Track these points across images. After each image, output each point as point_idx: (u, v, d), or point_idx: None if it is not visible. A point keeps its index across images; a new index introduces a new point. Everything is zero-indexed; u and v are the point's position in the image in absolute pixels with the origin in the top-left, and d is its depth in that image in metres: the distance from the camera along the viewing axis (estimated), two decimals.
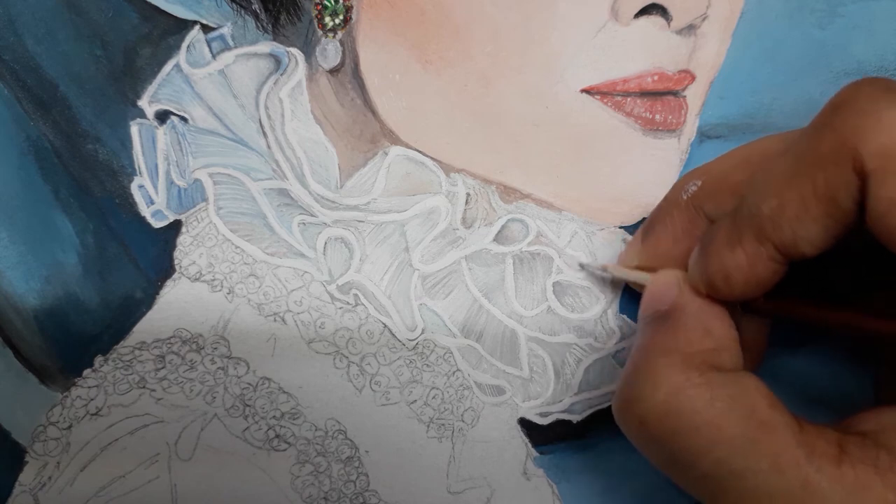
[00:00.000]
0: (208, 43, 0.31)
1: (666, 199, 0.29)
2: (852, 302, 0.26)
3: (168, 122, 0.32)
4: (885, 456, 0.21)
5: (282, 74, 0.31)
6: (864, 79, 0.22)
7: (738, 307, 0.25)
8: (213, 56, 0.31)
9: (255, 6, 0.31)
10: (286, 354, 0.32)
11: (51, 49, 0.31)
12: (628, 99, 0.31)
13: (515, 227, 0.32)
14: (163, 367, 0.31)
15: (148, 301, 0.32)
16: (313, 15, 0.31)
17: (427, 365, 0.32)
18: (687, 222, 0.28)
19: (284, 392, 0.32)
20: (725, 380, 0.23)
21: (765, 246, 0.23)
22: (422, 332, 0.32)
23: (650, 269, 0.28)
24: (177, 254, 0.32)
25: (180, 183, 0.32)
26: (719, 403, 0.22)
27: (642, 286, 0.28)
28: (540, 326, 0.32)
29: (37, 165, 0.31)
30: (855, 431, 0.23)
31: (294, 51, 0.31)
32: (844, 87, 0.22)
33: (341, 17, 0.31)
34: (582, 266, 0.32)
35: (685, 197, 0.28)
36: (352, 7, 0.31)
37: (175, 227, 0.32)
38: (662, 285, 0.26)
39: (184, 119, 0.32)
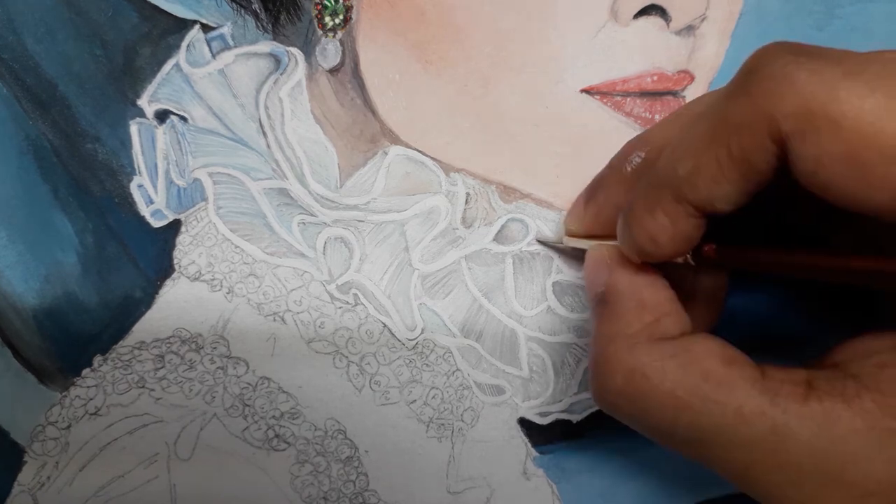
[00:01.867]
0: (208, 42, 0.31)
1: (610, 165, 0.29)
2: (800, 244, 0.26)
3: (168, 121, 0.32)
4: (853, 384, 0.21)
5: (282, 74, 0.31)
6: (773, 43, 0.22)
7: (692, 266, 0.26)
8: (213, 55, 0.31)
9: (255, 6, 0.31)
10: (286, 354, 0.32)
11: (50, 48, 0.31)
12: (628, 99, 0.31)
13: (515, 226, 0.32)
14: (162, 367, 0.31)
15: (147, 301, 0.32)
16: (313, 15, 0.31)
17: (427, 365, 0.32)
18: (629, 191, 0.28)
19: (284, 392, 0.32)
20: (673, 349, 0.24)
21: (682, 205, 0.23)
22: (421, 332, 0.32)
23: (594, 236, 0.29)
24: (176, 253, 0.32)
25: (180, 182, 0.32)
26: (671, 374, 0.23)
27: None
28: (540, 326, 0.32)
29: (36, 165, 0.31)
30: (826, 365, 0.23)
31: (294, 50, 0.31)
32: (755, 51, 0.22)
33: (341, 16, 0.31)
34: (539, 241, 0.32)
35: (629, 168, 0.28)
36: (352, 7, 0.31)
37: (174, 227, 0.32)
38: (595, 265, 0.27)
39: (183, 118, 0.32)
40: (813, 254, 0.23)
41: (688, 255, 0.25)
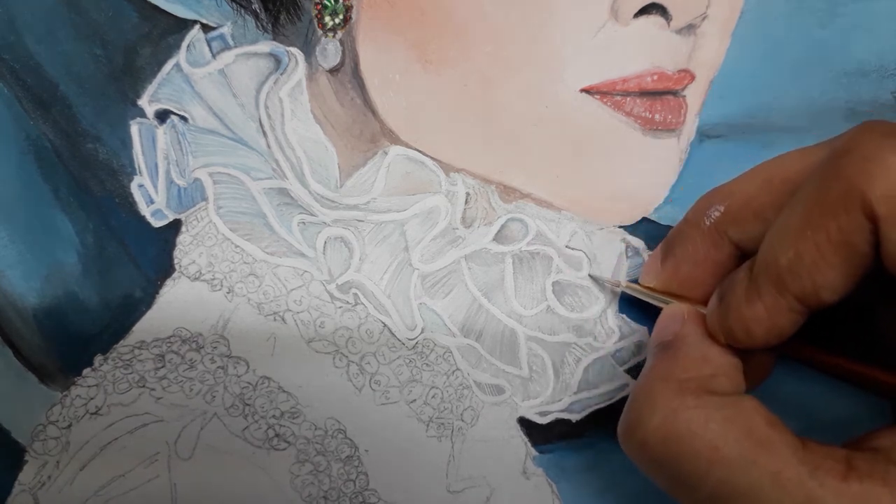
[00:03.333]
0: (208, 42, 0.31)
1: (686, 220, 0.29)
2: (870, 350, 0.26)
3: (168, 121, 0.32)
4: (895, 470, 0.21)
5: (282, 74, 0.31)
6: (867, 123, 0.22)
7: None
8: (213, 55, 0.31)
9: (255, 6, 0.31)
10: (286, 354, 0.32)
11: (51, 48, 0.31)
12: (628, 98, 0.31)
13: (515, 226, 0.32)
14: (162, 367, 0.31)
15: (147, 300, 0.32)
16: (313, 14, 0.31)
17: (427, 364, 0.32)
18: (710, 247, 0.27)
19: (284, 391, 0.32)
20: (722, 402, 0.23)
21: (784, 297, 0.23)
22: (421, 332, 0.32)
23: (668, 293, 0.29)
24: (176, 253, 0.32)
25: (180, 182, 0.32)
26: (715, 425, 0.22)
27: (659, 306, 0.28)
28: (539, 326, 0.32)
29: (36, 165, 0.32)
30: (866, 448, 0.23)
31: (294, 50, 0.31)
32: (847, 132, 0.22)
33: (341, 16, 0.31)
34: (593, 278, 0.32)
35: (708, 223, 0.27)
36: (352, 7, 0.31)
37: (175, 227, 0.32)
38: (669, 318, 0.27)
39: (184, 118, 0.32)
40: (870, 366, 0.23)
41: None
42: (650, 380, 0.25)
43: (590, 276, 0.32)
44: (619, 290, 0.32)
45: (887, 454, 0.22)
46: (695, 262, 0.28)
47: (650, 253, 0.31)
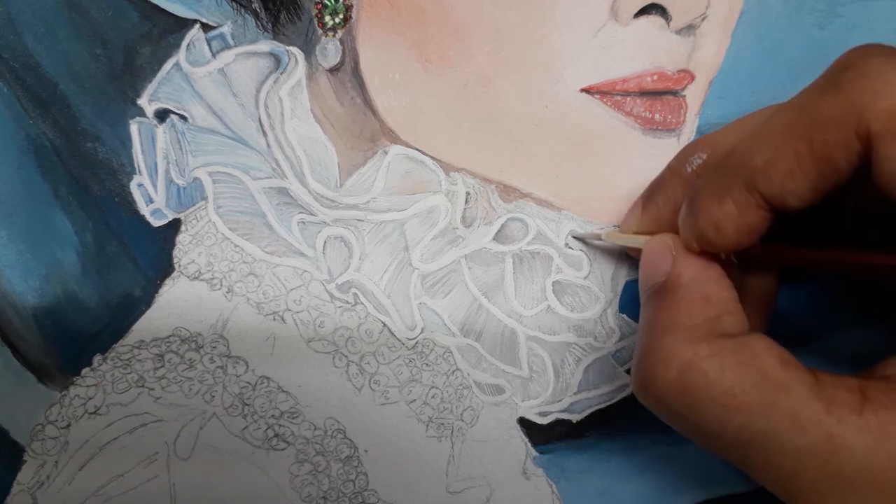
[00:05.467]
0: (208, 42, 0.31)
1: (669, 167, 0.29)
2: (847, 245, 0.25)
3: (168, 120, 0.32)
4: None
5: (282, 73, 0.31)
6: (869, 44, 0.22)
7: (736, 265, 0.25)
8: (213, 55, 0.31)
9: (255, 5, 0.31)
10: (285, 353, 0.32)
11: (51, 47, 0.31)
12: (628, 98, 0.31)
13: (515, 226, 0.32)
14: (162, 366, 0.31)
15: (147, 300, 0.32)
16: (313, 14, 0.31)
17: (426, 364, 0.32)
18: (689, 191, 0.27)
19: (283, 391, 0.32)
20: (734, 346, 0.23)
21: (753, 195, 0.23)
22: (421, 332, 0.32)
23: (648, 235, 0.28)
24: (176, 252, 0.32)
25: (180, 181, 0.32)
26: (730, 372, 0.22)
27: (639, 251, 0.28)
28: (539, 326, 0.32)
29: (36, 164, 0.31)
30: (878, 376, 0.22)
31: (294, 50, 0.31)
32: (850, 50, 0.22)
33: (341, 16, 0.31)
34: (576, 238, 0.32)
35: (690, 169, 0.28)
36: (352, 6, 0.31)
37: (174, 226, 0.32)
38: (656, 253, 0.26)
39: (183, 118, 0.32)
40: (862, 251, 0.22)
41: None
42: (657, 331, 0.24)
43: (572, 236, 0.32)
44: (601, 242, 0.31)
45: None
46: (675, 208, 0.27)
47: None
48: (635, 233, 0.29)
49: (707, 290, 0.25)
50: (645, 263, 0.27)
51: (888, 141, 0.20)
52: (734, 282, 0.26)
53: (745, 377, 0.22)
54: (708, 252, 0.25)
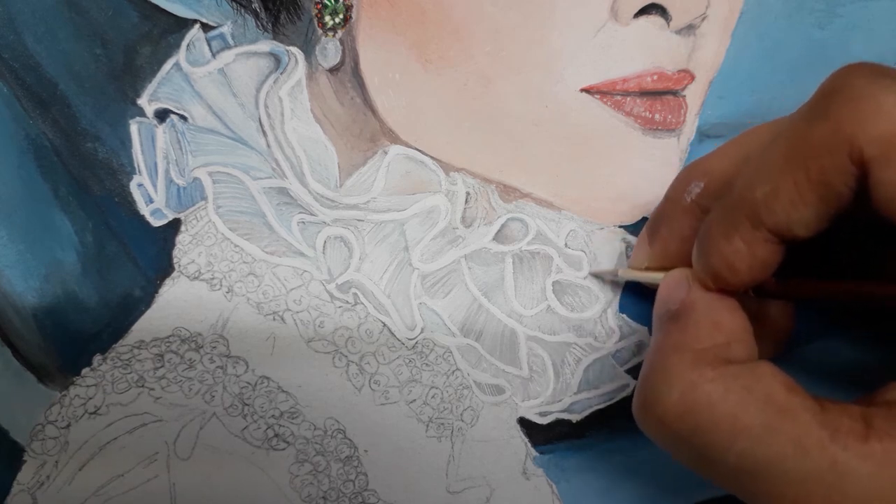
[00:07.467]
0: (208, 42, 0.31)
1: (667, 198, 0.29)
2: (863, 276, 0.25)
3: (168, 120, 0.32)
4: None
5: (281, 73, 0.31)
6: (854, 64, 0.22)
7: (752, 296, 0.25)
8: (213, 55, 0.31)
9: (256, 5, 0.31)
10: (285, 353, 0.32)
11: (50, 47, 0.31)
12: (628, 98, 0.31)
13: (515, 226, 0.32)
14: (161, 366, 0.31)
15: (147, 300, 0.32)
16: (313, 14, 0.31)
17: (426, 364, 0.32)
18: (694, 221, 0.27)
19: (283, 391, 0.32)
20: (739, 371, 0.23)
21: (760, 230, 0.23)
22: (421, 332, 0.32)
23: (661, 270, 0.28)
24: (176, 252, 0.32)
25: (179, 181, 0.32)
26: (734, 395, 0.22)
27: (656, 286, 0.28)
28: (539, 326, 0.32)
29: (36, 164, 0.31)
30: (880, 402, 0.22)
31: (294, 49, 0.31)
32: (835, 73, 0.22)
33: (341, 16, 0.31)
34: (593, 275, 0.32)
35: (689, 199, 0.28)
36: (352, 6, 0.31)
37: (174, 226, 0.32)
38: (672, 284, 0.26)
39: (183, 118, 0.32)
40: (879, 283, 0.22)
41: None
42: (664, 353, 0.24)
43: (590, 273, 0.32)
44: (617, 279, 0.31)
45: None
46: (682, 239, 0.27)
47: (636, 239, 0.31)
48: (647, 268, 0.29)
49: (719, 317, 0.25)
50: (661, 292, 0.27)
51: (882, 166, 0.20)
52: (751, 310, 0.26)
53: (750, 401, 0.22)
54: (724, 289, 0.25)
